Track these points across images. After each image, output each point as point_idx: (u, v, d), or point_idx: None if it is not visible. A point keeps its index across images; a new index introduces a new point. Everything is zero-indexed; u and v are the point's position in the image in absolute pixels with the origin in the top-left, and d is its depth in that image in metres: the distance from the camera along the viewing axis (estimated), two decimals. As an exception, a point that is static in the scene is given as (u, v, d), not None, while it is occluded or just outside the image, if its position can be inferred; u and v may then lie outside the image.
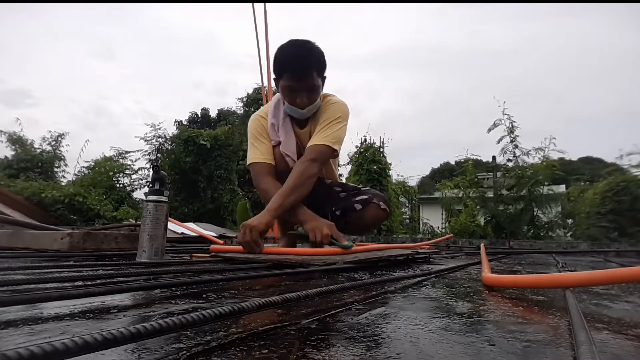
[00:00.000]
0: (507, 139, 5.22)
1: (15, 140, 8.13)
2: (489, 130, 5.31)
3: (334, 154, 1.59)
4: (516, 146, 5.19)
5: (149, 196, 1.25)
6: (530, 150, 5.14)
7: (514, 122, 5.19)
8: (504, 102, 5.18)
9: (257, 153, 1.62)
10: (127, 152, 9.18)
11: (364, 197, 1.71)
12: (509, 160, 5.30)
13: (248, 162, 1.65)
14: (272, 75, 1.59)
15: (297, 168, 1.48)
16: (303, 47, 1.50)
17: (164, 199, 1.26)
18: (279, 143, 1.61)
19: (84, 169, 8.21)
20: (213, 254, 1.43)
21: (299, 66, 1.48)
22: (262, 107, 1.76)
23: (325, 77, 1.59)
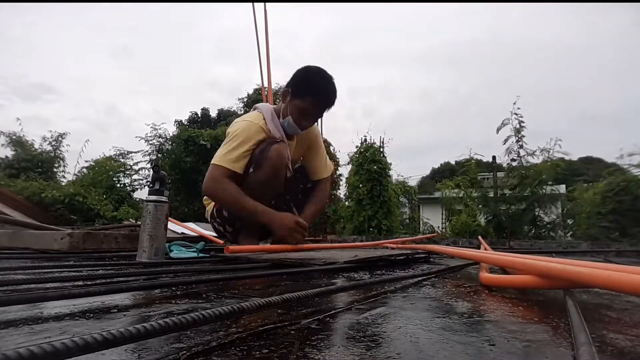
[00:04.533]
0: (513, 139, 5.18)
1: (15, 142, 8.14)
2: (498, 130, 5.22)
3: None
4: (521, 146, 5.16)
5: (149, 196, 1.25)
6: (535, 151, 5.11)
7: (522, 122, 5.13)
8: (514, 102, 5.11)
9: (239, 160, 1.57)
10: (127, 152, 9.18)
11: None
12: (512, 160, 5.27)
13: (224, 163, 1.56)
14: (280, 87, 1.68)
15: (326, 191, 1.89)
16: (332, 83, 1.64)
17: (164, 198, 1.26)
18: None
19: (84, 169, 8.21)
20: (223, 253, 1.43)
21: (329, 100, 1.64)
22: (252, 115, 1.72)
23: None
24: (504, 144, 5.24)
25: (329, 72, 1.67)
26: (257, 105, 1.77)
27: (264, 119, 1.67)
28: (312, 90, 1.60)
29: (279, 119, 1.68)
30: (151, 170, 1.33)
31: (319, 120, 1.81)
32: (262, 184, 1.62)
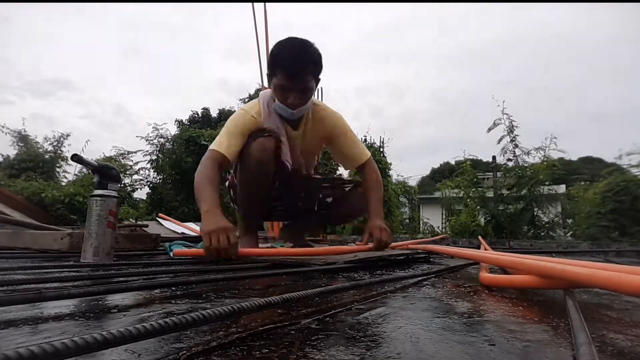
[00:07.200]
0: (507, 139, 5.24)
1: (22, 138, 8.20)
2: (489, 130, 5.33)
3: None
4: (516, 145, 5.21)
5: (94, 191, 1.16)
6: (530, 150, 5.15)
7: (514, 121, 5.20)
8: (503, 101, 5.19)
9: (228, 146, 1.49)
10: (128, 152, 9.20)
11: (351, 183, 1.78)
12: (509, 159, 5.31)
13: (212, 145, 1.50)
14: (266, 71, 1.52)
15: (374, 172, 1.64)
16: (300, 47, 1.45)
17: (102, 192, 1.15)
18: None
19: (84, 169, 8.23)
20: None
21: (294, 66, 1.43)
22: (250, 104, 1.64)
23: (319, 80, 1.55)
24: (498, 143, 5.29)
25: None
26: (261, 92, 1.67)
27: (261, 106, 1.58)
28: (279, 62, 1.45)
29: (274, 103, 1.56)
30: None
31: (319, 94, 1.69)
32: (246, 182, 1.57)
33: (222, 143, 1.48)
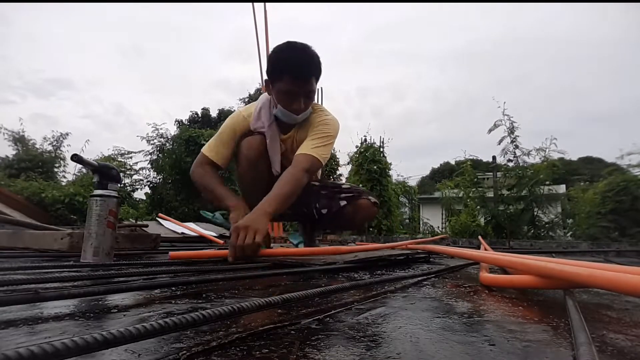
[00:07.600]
0: (508, 140, 5.25)
1: (18, 139, 8.20)
2: (490, 131, 5.34)
3: (320, 167, 1.62)
4: (517, 146, 5.22)
5: (93, 191, 1.17)
6: (531, 151, 5.17)
7: (514, 122, 5.21)
8: (504, 102, 5.21)
9: (217, 152, 1.59)
10: (128, 152, 9.21)
11: (350, 194, 1.71)
12: (509, 160, 5.32)
13: (203, 150, 1.60)
14: (265, 77, 1.53)
15: (293, 176, 1.42)
16: (305, 51, 1.46)
17: (103, 192, 1.16)
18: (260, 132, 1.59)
19: (84, 169, 8.24)
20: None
21: (303, 70, 1.45)
22: (248, 106, 1.69)
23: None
24: (499, 144, 5.31)
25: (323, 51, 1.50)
26: (262, 95, 1.68)
27: (254, 109, 1.61)
28: (284, 66, 1.44)
29: (275, 109, 1.57)
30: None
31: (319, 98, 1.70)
32: (243, 180, 1.64)
33: (212, 149, 1.60)
